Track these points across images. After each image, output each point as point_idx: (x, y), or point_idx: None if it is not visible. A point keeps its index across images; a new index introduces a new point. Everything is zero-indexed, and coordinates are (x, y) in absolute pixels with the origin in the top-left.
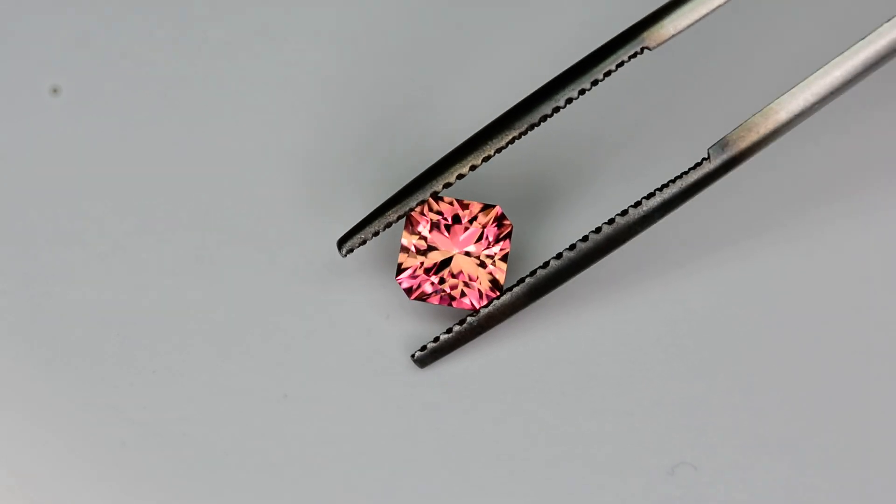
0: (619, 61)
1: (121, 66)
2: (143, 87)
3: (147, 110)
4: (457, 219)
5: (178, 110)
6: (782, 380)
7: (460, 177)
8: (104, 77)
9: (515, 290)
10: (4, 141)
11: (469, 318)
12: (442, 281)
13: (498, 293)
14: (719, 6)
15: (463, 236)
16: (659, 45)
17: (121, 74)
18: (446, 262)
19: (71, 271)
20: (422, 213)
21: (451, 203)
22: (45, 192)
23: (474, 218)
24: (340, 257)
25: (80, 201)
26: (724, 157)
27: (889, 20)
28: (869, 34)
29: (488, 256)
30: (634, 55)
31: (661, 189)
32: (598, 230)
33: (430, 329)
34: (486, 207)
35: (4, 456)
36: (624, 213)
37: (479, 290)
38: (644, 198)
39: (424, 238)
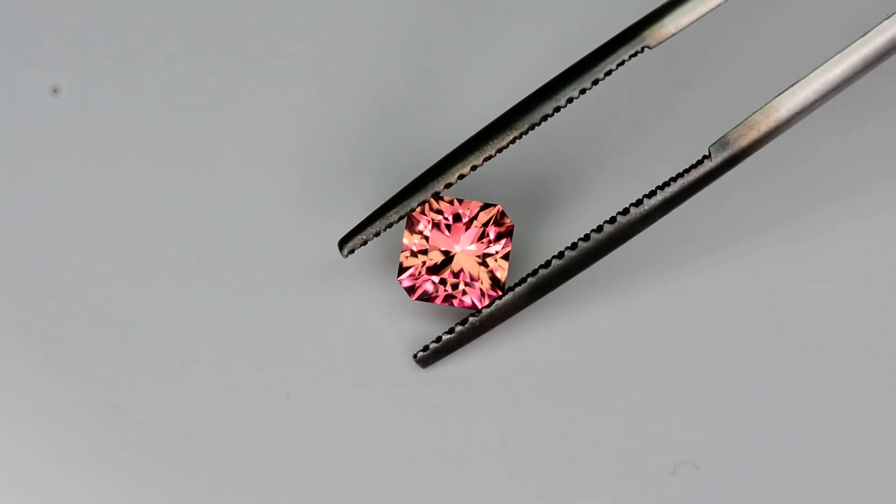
0: (620, 60)
1: (121, 66)
2: (143, 87)
3: (147, 110)
4: (458, 218)
5: (178, 110)
6: (784, 379)
7: (461, 177)
8: (104, 77)
9: (517, 289)
10: (4, 141)
11: (471, 318)
12: (443, 281)
13: (500, 292)
14: (719, 4)
15: (464, 235)
16: (659, 43)
17: (121, 74)
18: (448, 262)
19: (72, 271)
20: (423, 213)
21: (451, 202)
22: (45, 192)
23: (475, 217)
24: (341, 258)
25: (82, 201)
26: (725, 155)
27: (889, 17)
28: (869, 31)
29: (490, 256)
30: (635, 54)
31: (662, 187)
32: (599, 229)
33: (431, 329)
34: (487, 206)
35: (6, 456)
36: (625, 211)
37: (481, 290)
38: (645, 196)
39: (426, 238)
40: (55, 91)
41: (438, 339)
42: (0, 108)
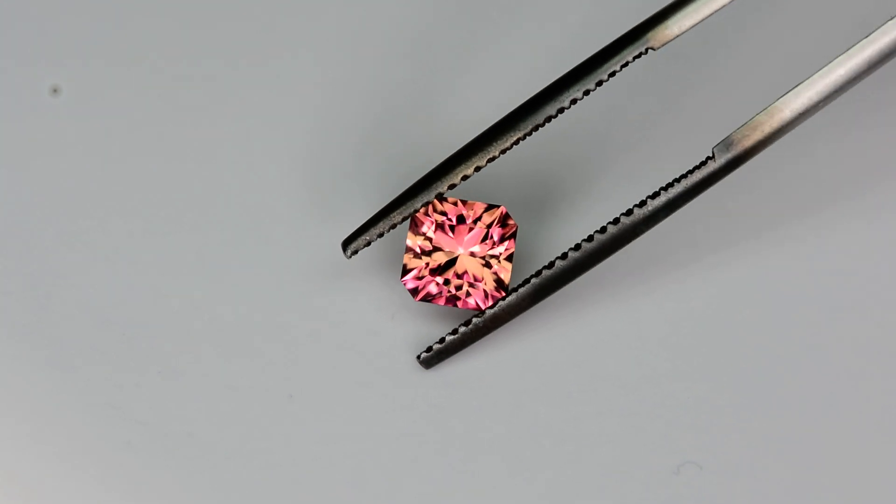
0: (624, 62)
1: (121, 67)
2: (143, 87)
3: (148, 110)
4: (461, 219)
5: (179, 110)
6: (787, 379)
7: (465, 178)
8: (104, 77)
9: (521, 290)
10: (4, 141)
11: (474, 319)
12: (447, 282)
13: (503, 294)
14: (723, 6)
15: (468, 237)
16: (663, 45)
17: (121, 74)
18: (451, 263)
19: (74, 272)
20: (426, 214)
21: (455, 203)
22: (46, 192)
23: (479, 218)
24: (345, 259)
25: (83, 202)
26: (729, 155)
27: (893, 18)
28: (872, 32)
29: (493, 257)
30: (639, 55)
31: (665, 188)
32: (602, 230)
33: (435, 330)
34: (491, 208)
35: (9, 457)
36: (628, 212)
37: (485, 291)
38: (649, 197)
39: (429, 239)
40: (55, 91)
41: (442, 340)
42: (0, 108)
